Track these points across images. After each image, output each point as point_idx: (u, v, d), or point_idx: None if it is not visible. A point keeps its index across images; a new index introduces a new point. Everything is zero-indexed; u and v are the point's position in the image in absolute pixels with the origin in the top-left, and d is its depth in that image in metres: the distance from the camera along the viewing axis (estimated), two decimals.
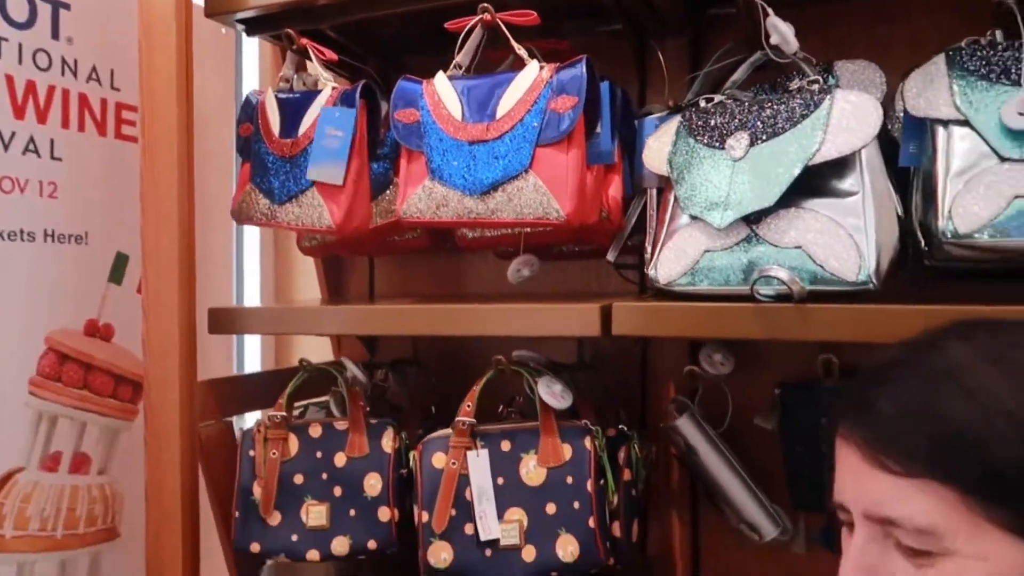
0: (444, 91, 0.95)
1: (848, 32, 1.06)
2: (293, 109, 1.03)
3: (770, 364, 1.11)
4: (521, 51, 0.94)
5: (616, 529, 0.98)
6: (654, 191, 1.00)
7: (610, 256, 1.05)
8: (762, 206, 0.81)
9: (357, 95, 0.98)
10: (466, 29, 0.95)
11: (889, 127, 0.93)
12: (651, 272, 0.88)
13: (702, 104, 0.94)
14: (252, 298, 1.54)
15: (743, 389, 1.12)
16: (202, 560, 1.08)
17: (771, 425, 1.06)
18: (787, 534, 1.04)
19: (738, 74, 0.95)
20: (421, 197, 0.94)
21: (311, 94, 1.03)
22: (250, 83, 1.51)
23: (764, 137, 0.84)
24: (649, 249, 0.93)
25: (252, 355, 1.54)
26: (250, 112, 1.09)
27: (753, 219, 0.83)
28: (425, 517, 0.96)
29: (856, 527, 0.59)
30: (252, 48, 1.52)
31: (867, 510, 0.58)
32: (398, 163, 1.03)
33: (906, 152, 0.86)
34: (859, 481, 0.58)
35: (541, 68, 0.92)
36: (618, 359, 1.23)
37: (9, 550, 1.11)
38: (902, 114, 0.86)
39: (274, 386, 1.13)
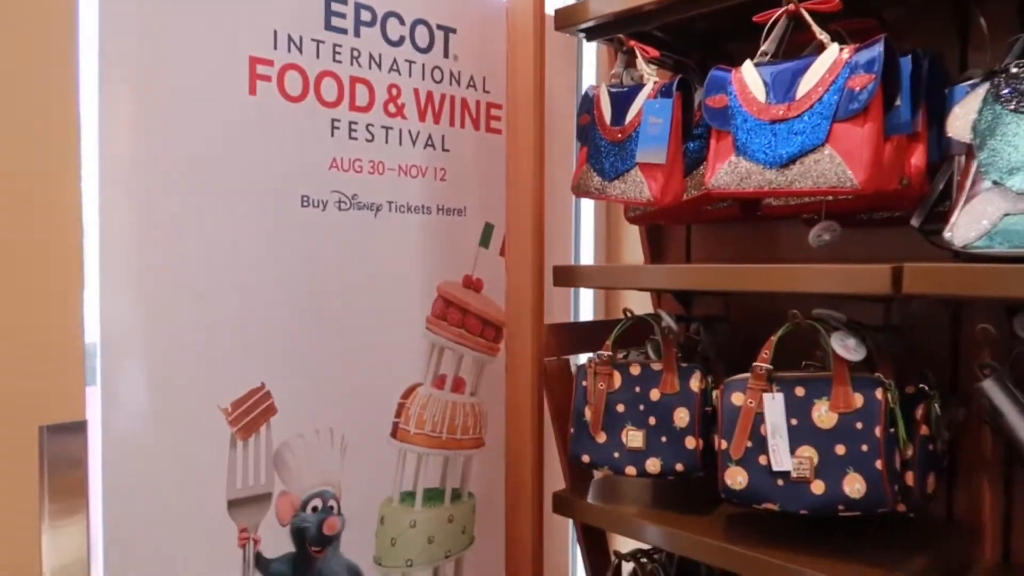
0: (750, 77, 1.09)
1: None
2: (621, 101, 1.24)
3: None
4: (822, 35, 1.03)
5: (909, 479, 1.04)
6: (961, 158, 1.03)
7: (914, 222, 1.09)
8: None
9: (674, 88, 1.16)
10: (772, 20, 1.07)
11: None
12: (947, 235, 0.94)
13: (1013, 69, 0.95)
14: (587, 261, 1.81)
15: None
16: (545, 465, 1.37)
17: None
18: None
19: None
20: (727, 171, 1.09)
21: (637, 88, 1.23)
22: (588, 79, 1.76)
23: None
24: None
25: (585, 307, 1.81)
26: (587, 105, 1.32)
27: None
28: (724, 445, 1.12)
29: None
30: (591, 49, 1.77)
31: None
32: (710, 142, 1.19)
33: None
34: None
35: (841, 50, 1.01)
36: (928, 324, 1.25)
37: (412, 442, 1.50)
38: None
39: (602, 332, 1.36)
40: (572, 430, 1.31)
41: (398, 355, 1.46)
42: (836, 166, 0.98)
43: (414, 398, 1.51)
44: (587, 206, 1.82)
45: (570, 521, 1.77)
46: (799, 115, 1.02)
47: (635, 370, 1.28)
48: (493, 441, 1.60)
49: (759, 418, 1.09)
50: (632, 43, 1.25)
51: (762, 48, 1.10)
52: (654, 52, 1.23)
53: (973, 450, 1.20)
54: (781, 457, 1.07)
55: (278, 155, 1.26)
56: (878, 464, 1.01)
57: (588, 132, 1.30)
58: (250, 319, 1.24)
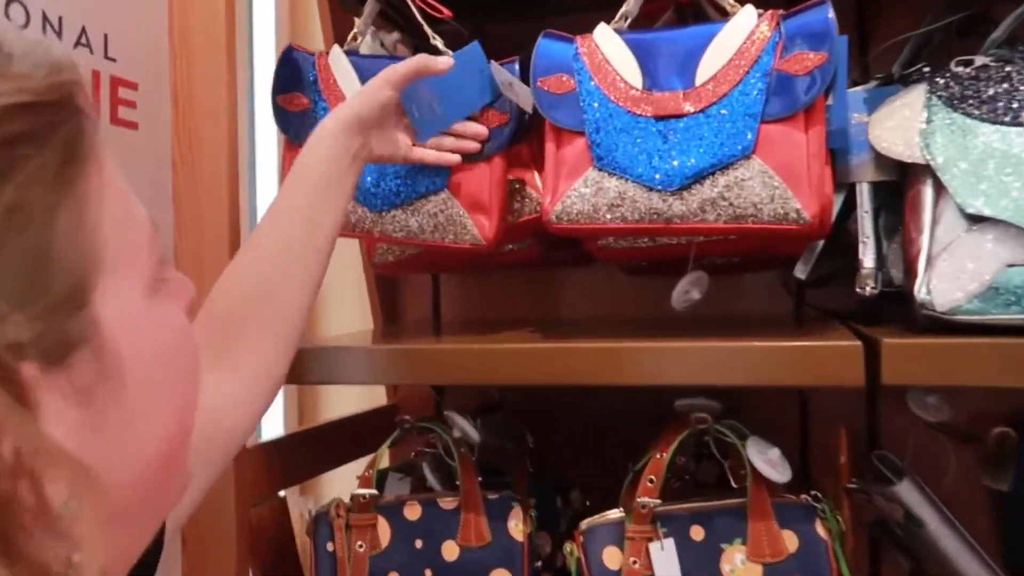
0: (611, 50, 0.69)
1: None
2: None
3: (984, 405, 0.88)
4: None
5: None
6: (865, 186, 0.76)
7: (801, 273, 0.80)
8: None
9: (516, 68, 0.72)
10: None
11: None
12: (922, 295, 0.64)
13: (956, 68, 0.70)
14: None
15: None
16: None
17: (1007, 485, 0.83)
18: None
19: (999, 31, 0.72)
20: (583, 195, 0.68)
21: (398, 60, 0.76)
22: (262, 31, 1.22)
23: None
24: (907, 264, 0.69)
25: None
26: (298, 79, 0.81)
27: None
28: None
29: None
30: None
31: None
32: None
33: None
34: None
35: (761, 16, 0.67)
36: (773, 407, 0.98)
37: None
38: None
39: (329, 449, 0.86)
40: None
41: None
42: (773, 190, 0.63)
43: None
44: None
45: None
46: (704, 109, 0.65)
47: (413, 513, 0.79)
48: None
49: None
50: None
51: (623, 9, 0.72)
52: (447, 12, 0.76)
53: None
54: None
55: None
56: None
57: (308, 126, 0.79)
58: None
